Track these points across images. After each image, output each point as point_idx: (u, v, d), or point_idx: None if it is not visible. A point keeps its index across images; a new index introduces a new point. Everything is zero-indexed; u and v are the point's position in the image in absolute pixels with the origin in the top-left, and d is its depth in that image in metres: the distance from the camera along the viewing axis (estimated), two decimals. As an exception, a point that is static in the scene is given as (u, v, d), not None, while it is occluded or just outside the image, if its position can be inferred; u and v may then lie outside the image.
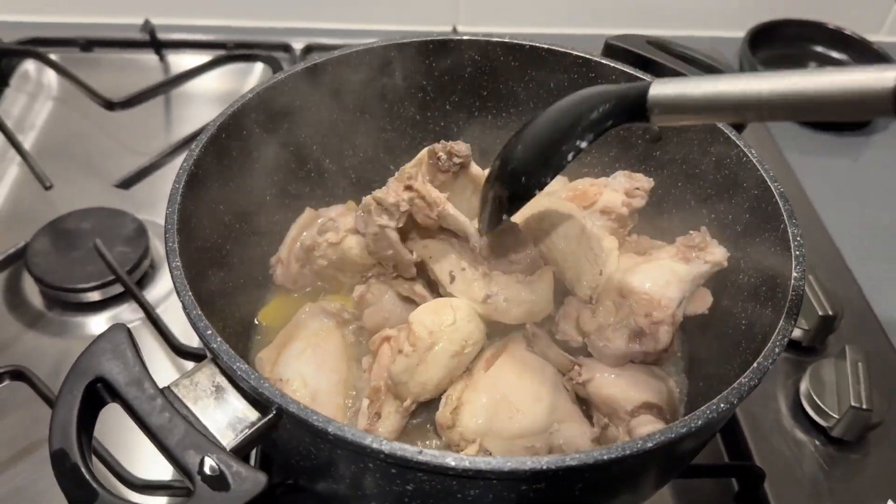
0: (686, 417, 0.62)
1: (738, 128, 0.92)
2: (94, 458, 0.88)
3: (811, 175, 1.42)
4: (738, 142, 0.88)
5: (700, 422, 0.62)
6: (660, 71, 0.99)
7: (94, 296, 1.14)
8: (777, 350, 0.68)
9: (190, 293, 0.68)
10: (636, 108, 0.66)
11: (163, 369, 1.06)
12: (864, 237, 1.33)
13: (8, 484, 0.92)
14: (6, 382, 0.97)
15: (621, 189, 0.96)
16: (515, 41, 1.02)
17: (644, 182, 0.96)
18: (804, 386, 1.05)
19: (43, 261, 1.14)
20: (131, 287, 1.05)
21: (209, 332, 0.65)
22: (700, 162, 0.94)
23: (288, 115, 0.95)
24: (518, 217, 0.89)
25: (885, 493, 0.96)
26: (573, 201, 0.97)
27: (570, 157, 0.71)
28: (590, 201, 0.97)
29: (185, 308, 0.67)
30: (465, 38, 1.02)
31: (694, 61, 1.02)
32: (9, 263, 1.13)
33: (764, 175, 0.84)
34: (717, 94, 0.60)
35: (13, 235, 1.17)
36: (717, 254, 0.87)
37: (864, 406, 0.98)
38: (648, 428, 0.78)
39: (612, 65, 0.98)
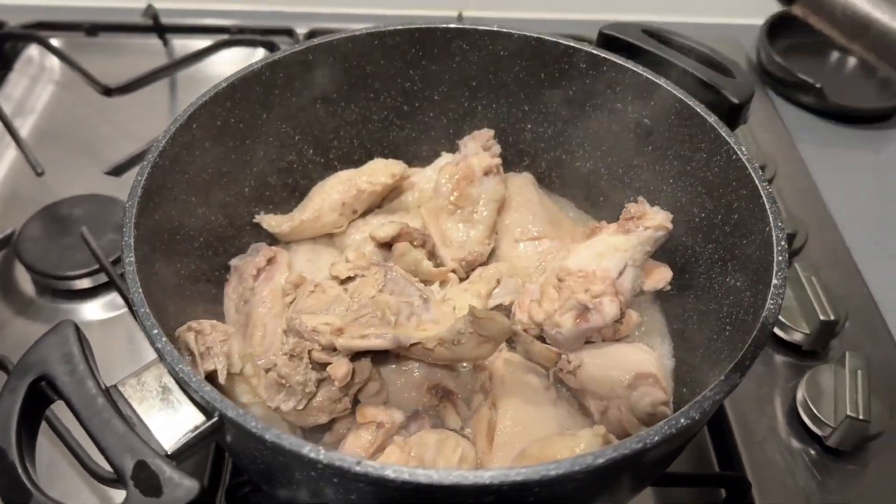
0: (642, 433, 0.59)
1: (732, 123, 0.88)
2: (66, 450, 0.88)
3: (827, 169, 1.36)
4: (728, 138, 0.84)
5: (657, 437, 0.59)
6: (655, 63, 0.95)
7: (85, 283, 1.13)
8: (746, 365, 0.65)
9: (140, 290, 0.67)
10: None
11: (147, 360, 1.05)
12: (879, 235, 1.27)
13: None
14: (-13, 371, 0.97)
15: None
16: (503, 30, 0.98)
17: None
18: (801, 393, 1.01)
19: (34, 247, 1.14)
20: (113, 276, 1.05)
21: (155, 331, 0.64)
22: (691, 158, 0.90)
23: (265, 105, 0.93)
24: None
25: (881, 507, 0.92)
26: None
27: None
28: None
29: (133, 305, 0.66)
30: (451, 26, 0.98)
31: (693, 53, 0.97)
32: (-2, 249, 1.13)
33: (753, 174, 0.80)
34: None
35: (4, 221, 1.17)
36: (658, 218, 0.86)
37: (861, 416, 0.93)
38: (650, 398, 0.77)
39: (603, 55, 0.94)
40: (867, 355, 1.00)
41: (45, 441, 0.94)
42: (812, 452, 0.97)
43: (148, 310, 0.65)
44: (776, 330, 1.07)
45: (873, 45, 0.50)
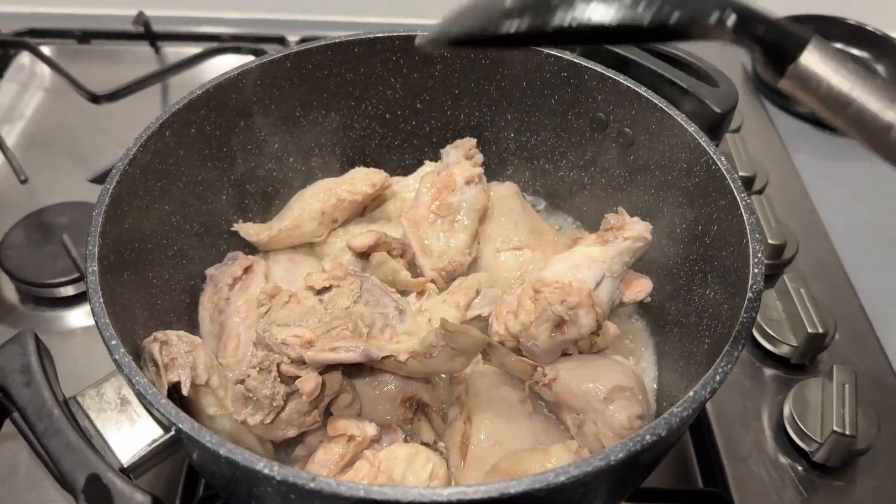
0: (606, 450, 0.58)
1: (715, 132, 0.87)
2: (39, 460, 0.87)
3: (821, 178, 1.35)
4: (707, 149, 0.82)
5: (621, 454, 0.58)
6: (639, 72, 0.93)
7: (68, 290, 1.13)
8: (717, 380, 0.63)
9: (101, 300, 0.66)
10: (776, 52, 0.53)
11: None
12: (872, 245, 1.25)
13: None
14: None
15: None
16: (484, 38, 0.97)
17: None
18: (787, 407, 0.99)
19: (16, 255, 1.13)
20: (93, 285, 1.04)
21: (114, 342, 0.63)
22: (672, 169, 0.88)
23: (243, 113, 0.93)
24: None
25: (868, 525, 0.90)
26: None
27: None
28: None
29: (93, 314, 0.65)
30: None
31: (678, 62, 0.96)
32: (-19, 257, 1.12)
33: (731, 185, 0.78)
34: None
35: (-11, 228, 1.17)
36: (637, 228, 0.85)
37: (847, 432, 0.91)
38: (627, 412, 0.76)
39: (584, 64, 0.93)
40: (856, 368, 0.98)
41: (23, 449, 0.94)
42: (799, 468, 0.95)
43: (107, 320, 0.64)
44: (764, 342, 1.05)
45: (851, 121, 0.54)
